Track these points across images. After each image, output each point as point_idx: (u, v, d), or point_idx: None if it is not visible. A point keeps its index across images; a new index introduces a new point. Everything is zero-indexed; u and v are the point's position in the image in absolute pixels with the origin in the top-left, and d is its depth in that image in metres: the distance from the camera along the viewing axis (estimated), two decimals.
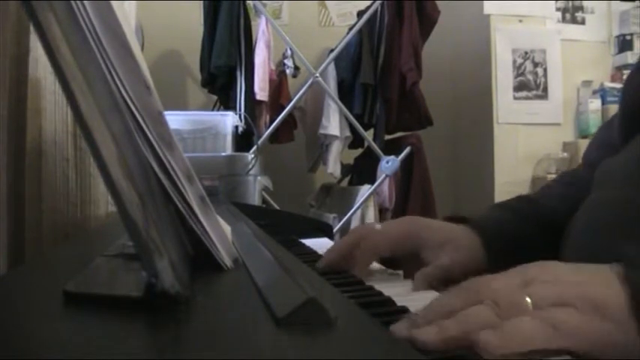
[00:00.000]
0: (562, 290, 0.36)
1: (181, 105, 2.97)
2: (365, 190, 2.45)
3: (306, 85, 2.39)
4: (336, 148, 2.52)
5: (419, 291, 0.56)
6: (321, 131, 2.49)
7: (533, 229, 0.66)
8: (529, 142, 2.85)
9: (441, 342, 0.33)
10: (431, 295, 0.54)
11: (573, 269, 0.39)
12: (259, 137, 2.20)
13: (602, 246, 0.53)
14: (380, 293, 0.49)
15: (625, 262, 0.37)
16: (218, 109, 2.59)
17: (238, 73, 2.41)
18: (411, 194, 2.50)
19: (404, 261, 0.65)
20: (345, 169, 2.79)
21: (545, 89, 2.90)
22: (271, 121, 2.44)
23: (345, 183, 2.95)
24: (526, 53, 2.88)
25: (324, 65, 2.42)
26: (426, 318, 0.36)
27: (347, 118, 2.45)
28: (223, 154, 1.91)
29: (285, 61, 2.53)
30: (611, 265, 0.38)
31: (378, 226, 0.64)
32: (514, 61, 2.87)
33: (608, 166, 0.60)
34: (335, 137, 2.49)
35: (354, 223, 2.42)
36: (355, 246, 0.61)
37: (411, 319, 0.36)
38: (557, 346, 0.33)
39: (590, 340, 0.34)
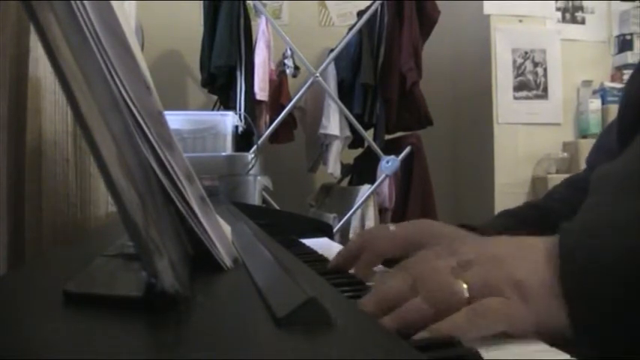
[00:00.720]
0: (489, 273, 0.39)
1: (181, 105, 2.97)
2: (365, 190, 2.45)
3: (306, 85, 2.39)
4: (336, 148, 2.52)
5: None
6: (321, 131, 2.50)
7: (537, 234, 0.67)
8: (529, 142, 2.85)
9: None
10: None
11: (504, 245, 0.42)
12: (259, 137, 2.20)
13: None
14: None
15: (558, 235, 0.40)
16: (218, 109, 2.59)
17: (238, 73, 2.41)
18: (411, 194, 2.50)
19: None
20: (345, 169, 2.79)
21: (545, 89, 2.90)
22: (271, 121, 2.44)
23: (345, 183, 2.95)
24: (526, 53, 2.88)
25: (324, 65, 2.42)
26: (369, 305, 0.39)
27: (347, 118, 2.45)
28: (223, 154, 1.91)
29: (285, 61, 2.53)
30: (543, 239, 0.41)
31: (393, 227, 0.65)
32: (514, 61, 2.87)
33: (603, 171, 0.60)
34: (335, 137, 2.49)
35: (354, 223, 2.42)
36: (362, 249, 0.62)
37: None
38: (486, 332, 0.37)
39: (513, 322, 0.37)
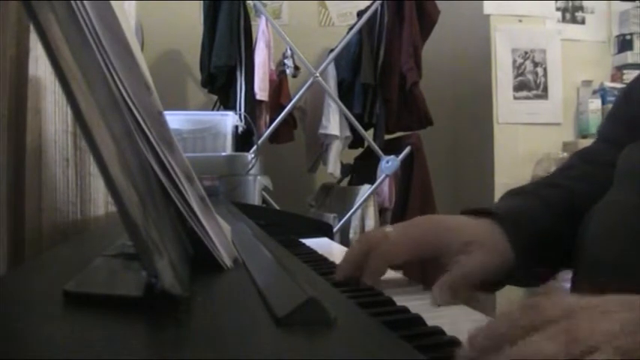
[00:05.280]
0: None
1: (181, 105, 2.97)
2: (365, 190, 2.45)
3: (306, 85, 2.39)
4: (336, 148, 2.52)
5: (443, 304, 0.51)
6: (321, 131, 2.49)
7: (559, 217, 0.62)
8: (529, 142, 2.85)
9: None
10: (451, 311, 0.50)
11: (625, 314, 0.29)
12: (259, 137, 2.20)
13: (620, 254, 0.51)
14: (380, 293, 0.49)
15: None
16: (218, 109, 2.59)
17: (238, 73, 2.41)
18: (411, 194, 2.50)
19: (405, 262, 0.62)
20: (345, 169, 2.79)
21: (545, 89, 2.90)
22: (271, 121, 2.44)
23: (345, 183, 2.95)
24: (526, 53, 2.88)
25: (324, 65, 2.42)
26: None
27: (347, 118, 2.45)
28: (223, 154, 1.91)
29: (285, 61, 2.52)
30: None
31: (390, 228, 0.59)
32: (514, 61, 2.87)
33: (632, 158, 0.56)
34: (335, 137, 2.49)
35: (354, 223, 2.42)
36: (366, 255, 0.56)
37: None
38: None
39: None
